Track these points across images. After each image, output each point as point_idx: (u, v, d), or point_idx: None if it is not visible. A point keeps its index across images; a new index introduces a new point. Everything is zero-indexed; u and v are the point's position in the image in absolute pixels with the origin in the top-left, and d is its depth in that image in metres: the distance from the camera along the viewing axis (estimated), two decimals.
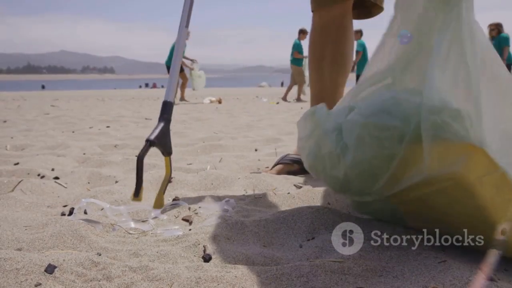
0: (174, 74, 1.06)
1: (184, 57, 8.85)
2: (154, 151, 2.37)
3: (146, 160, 1.96)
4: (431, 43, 0.79)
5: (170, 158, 1.03)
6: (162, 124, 1.00)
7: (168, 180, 1.04)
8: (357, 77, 9.01)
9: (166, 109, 1.02)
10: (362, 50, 8.97)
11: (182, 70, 8.91)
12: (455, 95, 0.72)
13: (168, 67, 8.64)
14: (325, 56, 1.56)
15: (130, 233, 1.03)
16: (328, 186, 1.02)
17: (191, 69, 9.16)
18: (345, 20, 1.55)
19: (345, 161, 0.88)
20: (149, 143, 0.97)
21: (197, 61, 9.21)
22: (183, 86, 8.96)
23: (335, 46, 1.55)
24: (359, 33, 8.99)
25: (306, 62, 9.31)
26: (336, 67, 1.57)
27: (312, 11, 1.59)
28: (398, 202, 0.86)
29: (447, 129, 0.70)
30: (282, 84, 26.42)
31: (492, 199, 0.72)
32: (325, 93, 1.59)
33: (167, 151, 1.02)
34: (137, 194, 0.94)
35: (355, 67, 9.09)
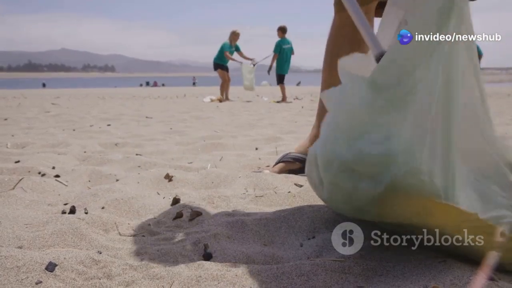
0: None
1: (241, 59, 8.98)
2: (154, 151, 2.38)
3: (146, 158, 1.96)
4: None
5: None
6: None
7: None
8: (278, 76, 8.60)
9: None
10: (278, 52, 8.43)
11: (227, 69, 9.03)
12: (423, 150, 0.73)
13: (216, 64, 8.84)
14: (341, 55, 1.58)
15: None
16: None
17: (250, 59, 9.05)
18: None
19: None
20: None
21: (255, 60, 9.14)
22: (226, 86, 9.01)
23: (351, 47, 1.57)
24: (281, 30, 8.43)
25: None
26: None
27: (335, 13, 1.61)
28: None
29: (417, 186, 0.71)
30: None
31: (473, 233, 0.74)
32: None
33: None
34: None
35: (270, 71, 8.64)
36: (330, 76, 1.62)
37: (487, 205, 0.77)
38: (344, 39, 1.57)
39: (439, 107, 0.75)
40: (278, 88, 8.75)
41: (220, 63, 8.85)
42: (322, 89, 1.68)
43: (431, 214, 0.74)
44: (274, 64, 8.63)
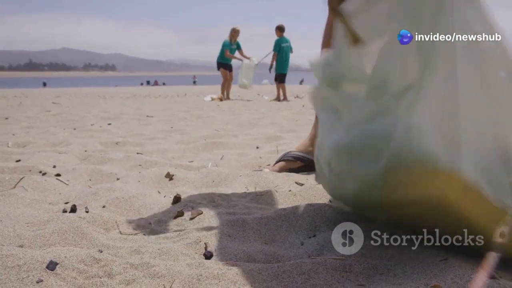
0: None
1: (242, 57, 8.93)
2: (154, 150, 2.38)
3: (147, 157, 1.96)
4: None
5: None
6: None
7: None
8: (279, 76, 8.56)
9: None
10: (278, 50, 8.42)
11: (230, 69, 8.98)
12: (426, 126, 0.74)
13: (219, 64, 8.79)
14: None
15: None
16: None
17: (247, 57, 8.97)
18: None
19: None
20: None
21: (252, 58, 9.05)
22: (228, 85, 8.99)
23: None
24: (279, 29, 8.41)
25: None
26: None
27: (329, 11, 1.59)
28: (389, 217, 0.88)
29: (418, 158, 0.71)
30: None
31: (474, 212, 0.74)
32: None
33: None
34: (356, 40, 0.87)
35: (271, 69, 8.61)
36: None
37: (494, 192, 0.76)
38: None
39: (447, 97, 0.75)
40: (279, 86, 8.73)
41: (222, 62, 8.83)
42: None
43: (433, 183, 0.73)
44: (275, 63, 8.63)
